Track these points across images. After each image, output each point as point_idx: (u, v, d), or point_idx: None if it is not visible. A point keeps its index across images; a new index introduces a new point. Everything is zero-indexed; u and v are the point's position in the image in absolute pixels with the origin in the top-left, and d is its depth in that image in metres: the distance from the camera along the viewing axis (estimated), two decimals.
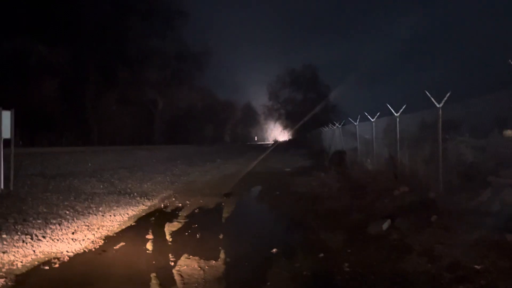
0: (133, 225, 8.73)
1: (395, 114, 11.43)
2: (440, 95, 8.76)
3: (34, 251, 6.48)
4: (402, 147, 11.44)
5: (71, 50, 44.44)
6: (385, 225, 7.43)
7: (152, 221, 9.14)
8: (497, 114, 8.03)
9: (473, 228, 6.49)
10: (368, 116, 14.38)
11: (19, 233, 7.28)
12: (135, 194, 12.28)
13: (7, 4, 39.28)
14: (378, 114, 13.82)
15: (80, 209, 9.64)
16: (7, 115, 10.58)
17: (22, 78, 39.89)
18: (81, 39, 45.84)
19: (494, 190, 7.26)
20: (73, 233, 7.60)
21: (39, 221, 8.16)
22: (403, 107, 11.26)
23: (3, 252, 6.26)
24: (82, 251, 6.67)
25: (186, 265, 5.95)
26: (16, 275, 5.45)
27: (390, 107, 11.66)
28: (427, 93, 8.95)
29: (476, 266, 5.07)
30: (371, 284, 5.11)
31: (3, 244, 6.64)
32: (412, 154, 11.11)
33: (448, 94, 8.57)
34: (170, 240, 7.46)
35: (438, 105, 8.77)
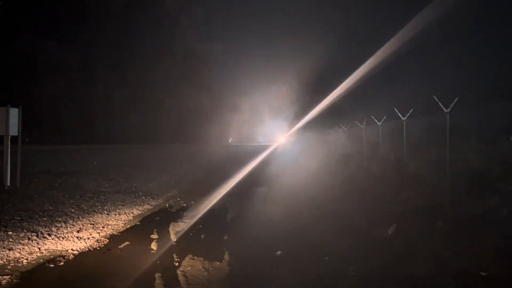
0: (138, 224, 8.75)
1: (402, 118, 11.38)
2: (448, 99, 8.73)
3: (39, 248, 6.52)
4: (408, 151, 11.39)
5: (80, 49, 44.76)
6: (390, 230, 7.39)
7: (157, 220, 9.16)
8: (506, 121, 8.00)
9: (479, 234, 6.45)
10: (375, 120, 14.33)
11: (25, 230, 7.33)
12: (141, 193, 12.32)
13: (17, 2, 39.65)
14: (384, 117, 13.78)
15: (85, 207, 9.68)
16: (14, 112, 10.66)
17: (31, 76, 40.23)
18: (90, 38, 46.16)
19: (502, 196, 7.21)
20: (78, 231, 7.63)
21: (44, 219, 8.22)
22: (410, 111, 11.22)
23: (9, 249, 6.31)
24: (87, 249, 6.69)
25: (190, 265, 5.95)
26: (22, 272, 5.48)
27: (397, 111, 11.62)
28: (435, 98, 8.92)
29: (482, 273, 5.03)
30: None
31: (9, 241, 6.69)
32: (419, 159, 11.06)
33: (456, 100, 8.55)
34: (175, 240, 7.46)
35: (445, 110, 8.74)
